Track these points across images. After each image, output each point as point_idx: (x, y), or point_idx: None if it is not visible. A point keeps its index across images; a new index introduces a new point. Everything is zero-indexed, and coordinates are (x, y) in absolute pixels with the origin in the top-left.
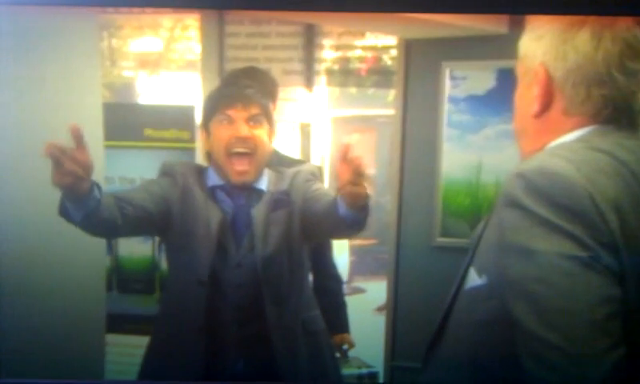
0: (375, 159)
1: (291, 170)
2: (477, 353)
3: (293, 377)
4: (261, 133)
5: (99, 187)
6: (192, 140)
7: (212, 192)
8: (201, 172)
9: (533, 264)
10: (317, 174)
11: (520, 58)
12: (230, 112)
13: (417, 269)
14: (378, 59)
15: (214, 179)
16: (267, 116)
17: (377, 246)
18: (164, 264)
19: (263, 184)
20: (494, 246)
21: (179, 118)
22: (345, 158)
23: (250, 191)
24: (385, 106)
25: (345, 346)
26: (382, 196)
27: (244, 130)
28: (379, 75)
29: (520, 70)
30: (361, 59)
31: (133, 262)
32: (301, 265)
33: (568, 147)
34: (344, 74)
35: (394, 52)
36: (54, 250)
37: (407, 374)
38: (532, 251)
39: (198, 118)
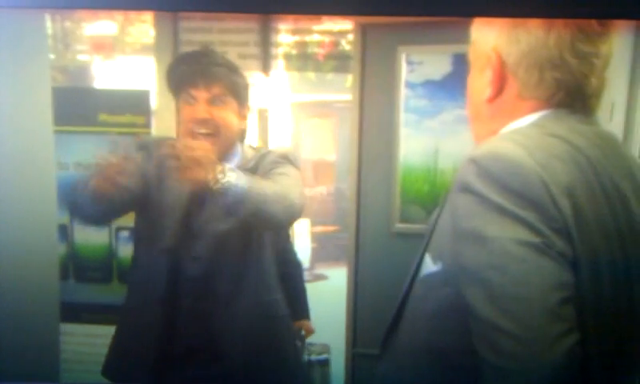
0: (337, 145)
1: (264, 151)
2: (433, 340)
3: (241, 357)
4: (224, 113)
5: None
6: (147, 125)
7: None
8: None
9: (486, 250)
10: (290, 158)
11: (472, 42)
12: (192, 91)
13: (376, 255)
14: (336, 44)
15: None
16: (235, 94)
17: (338, 232)
18: (121, 252)
19: (233, 162)
20: (448, 232)
21: (134, 103)
22: None
23: None
24: (344, 91)
25: (302, 332)
26: (343, 182)
27: (203, 111)
28: (337, 60)
29: (472, 54)
30: (318, 44)
31: (89, 250)
32: (259, 246)
33: (521, 132)
34: (301, 59)
35: (351, 37)
36: (4, 238)
37: (369, 361)
38: (485, 237)
39: (154, 103)
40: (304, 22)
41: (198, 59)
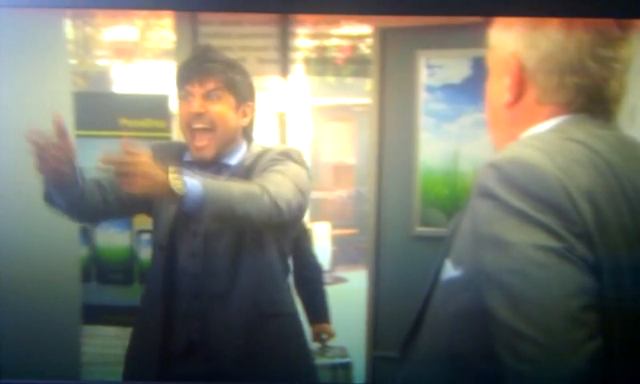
0: (357, 148)
1: (265, 148)
2: (454, 345)
3: (235, 354)
4: (219, 108)
5: (82, 175)
6: (168, 129)
7: (188, 167)
8: (179, 148)
9: (507, 255)
10: (292, 155)
11: (490, 47)
12: (188, 87)
13: (396, 258)
14: (355, 48)
15: (186, 155)
16: (231, 90)
17: (357, 235)
18: (142, 254)
19: (235, 159)
20: (468, 237)
21: (155, 107)
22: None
23: (218, 166)
24: (363, 94)
25: (324, 336)
26: (363, 185)
27: (197, 105)
28: (357, 64)
29: (491, 60)
30: (338, 48)
31: (111, 253)
32: (259, 245)
33: (541, 137)
34: (320, 63)
35: (369, 40)
36: (26, 242)
37: (389, 364)
38: (506, 242)
39: (174, 107)
40: (323, 27)
41: (193, 57)
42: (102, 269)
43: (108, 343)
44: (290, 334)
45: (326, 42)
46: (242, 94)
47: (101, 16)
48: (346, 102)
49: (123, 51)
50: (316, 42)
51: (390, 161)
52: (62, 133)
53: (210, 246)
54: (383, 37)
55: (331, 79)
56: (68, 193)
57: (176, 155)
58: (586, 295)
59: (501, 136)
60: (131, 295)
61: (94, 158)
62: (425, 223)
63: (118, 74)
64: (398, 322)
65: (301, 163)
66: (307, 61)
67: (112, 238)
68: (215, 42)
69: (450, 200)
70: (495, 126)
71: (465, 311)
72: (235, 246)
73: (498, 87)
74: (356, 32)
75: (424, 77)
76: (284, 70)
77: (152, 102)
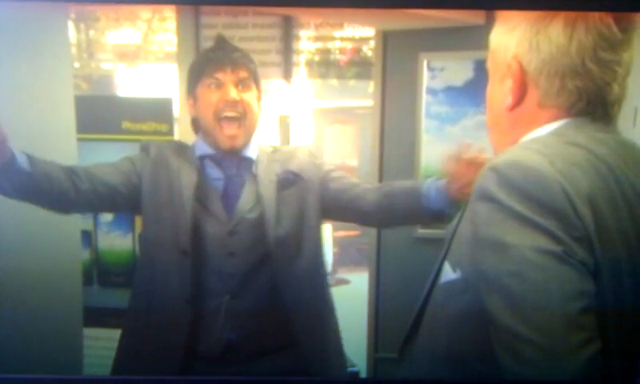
0: (359, 151)
1: (288, 149)
2: (452, 347)
3: (290, 353)
4: (250, 97)
5: (32, 159)
6: (170, 132)
7: (201, 163)
8: (181, 146)
9: (506, 258)
10: (314, 153)
11: (492, 51)
12: (219, 75)
13: (398, 260)
14: (358, 50)
15: (202, 148)
16: (255, 80)
17: (359, 237)
18: None
19: (253, 152)
20: (468, 240)
21: (157, 111)
22: (468, 157)
23: (240, 159)
24: (366, 97)
25: None
26: None
27: (233, 93)
28: (359, 66)
29: (492, 63)
30: (340, 50)
31: (113, 256)
32: (316, 244)
33: (542, 141)
34: (323, 66)
35: (372, 43)
36: (28, 244)
37: (390, 366)
38: (506, 245)
39: (176, 110)
40: (324, 29)
41: (220, 46)
42: (103, 272)
43: (109, 345)
44: (331, 333)
45: (329, 45)
46: (260, 85)
47: (104, 19)
48: (349, 104)
49: (126, 54)
50: (318, 45)
51: (391, 163)
52: None
53: (249, 243)
54: (385, 39)
55: (334, 82)
56: (8, 176)
57: (177, 149)
58: (585, 298)
59: (501, 139)
60: None
61: (98, 161)
62: (426, 225)
63: (120, 77)
64: (399, 324)
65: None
66: (310, 63)
67: (114, 240)
68: None
69: None
70: (496, 129)
71: (463, 313)
72: (293, 249)
73: (499, 90)
74: (358, 35)
75: (426, 79)
76: (286, 72)
77: (155, 106)
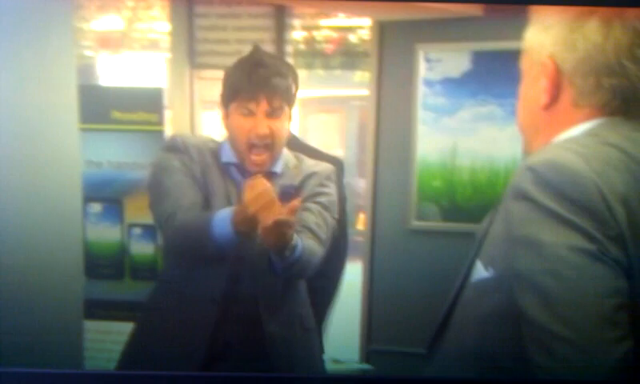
0: (344, 140)
1: (309, 166)
2: (483, 345)
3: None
4: (280, 125)
5: None
6: (160, 123)
7: (226, 167)
8: (214, 146)
9: (541, 256)
10: (332, 178)
11: (526, 50)
12: (251, 106)
13: (392, 252)
14: (345, 39)
15: (228, 155)
16: (289, 101)
17: (352, 229)
18: (133, 249)
19: (278, 167)
20: (501, 238)
21: (147, 101)
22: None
23: (264, 173)
24: (352, 86)
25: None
26: (351, 177)
27: (263, 127)
28: (346, 56)
29: (526, 62)
30: (328, 39)
31: (101, 247)
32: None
33: (577, 141)
34: (313, 55)
35: (362, 32)
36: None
37: (383, 358)
38: (540, 243)
39: (166, 100)
40: (318, 18)
41: (255, 69)
42: (91, 263)
43: (96, 338)
44: (316, 348)
45: (321, 34)
46: (293, 101)
47: (89, 6)
48: (334, 93)
49: (112, 42)
50: (311, 34)
51: (387, 155)
52: None
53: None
54: (382, 30)
55: (320, 71)
56: None
57: (212, 151)
58: (618, 296)
59: (534, 138)
60: (121, 290)
61: (88, 152)
62: (421, 217)
63: (106, 65)
64: (392, 316)
65: (339, 182)
66: (302, 53)
67: (102, 231)
68: (211, 35)
69: (446, 194)
70: (529, 129)
71: (495, 312)
72: None
73: (534, 90)
74: (353, 24)
75: (423, 70)
76: None
77: (145, 95)
